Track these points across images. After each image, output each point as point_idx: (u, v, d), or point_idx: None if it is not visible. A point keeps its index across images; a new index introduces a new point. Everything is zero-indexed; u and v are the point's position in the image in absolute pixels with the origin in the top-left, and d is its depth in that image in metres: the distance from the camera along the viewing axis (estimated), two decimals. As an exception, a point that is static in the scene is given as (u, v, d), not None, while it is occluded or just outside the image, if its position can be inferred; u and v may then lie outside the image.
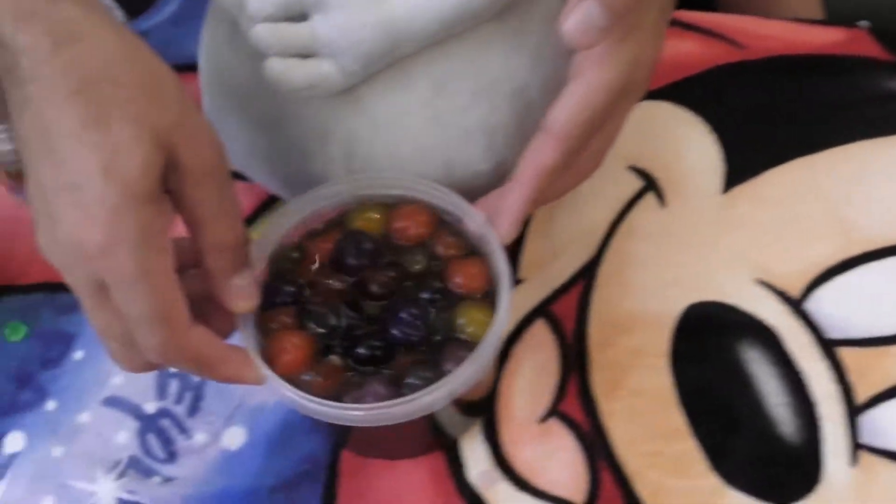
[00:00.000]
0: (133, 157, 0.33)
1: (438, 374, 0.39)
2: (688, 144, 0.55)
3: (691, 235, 0.52)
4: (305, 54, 0.41)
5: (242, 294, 0.39)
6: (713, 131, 0.56)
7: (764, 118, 0.56)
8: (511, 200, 0.40)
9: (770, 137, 0.55)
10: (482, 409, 0.48)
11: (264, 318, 0.42)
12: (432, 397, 0.38)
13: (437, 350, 0.41)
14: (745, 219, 0.52)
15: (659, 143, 0.56)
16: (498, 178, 0.47)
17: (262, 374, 0.39)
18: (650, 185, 0.54)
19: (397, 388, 0.40)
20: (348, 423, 0.39)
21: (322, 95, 0.40)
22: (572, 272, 0.52)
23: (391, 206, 0.44)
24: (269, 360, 0.40)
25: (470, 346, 0.40)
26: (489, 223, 0.41)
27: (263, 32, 0.41)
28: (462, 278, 0.42)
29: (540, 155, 0.39)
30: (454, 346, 0.41)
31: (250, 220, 0.55)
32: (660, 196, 0.54)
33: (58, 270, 0.36)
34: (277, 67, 0.41)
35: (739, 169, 0.54)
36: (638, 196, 0.54)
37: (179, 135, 0.35)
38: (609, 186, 0.54)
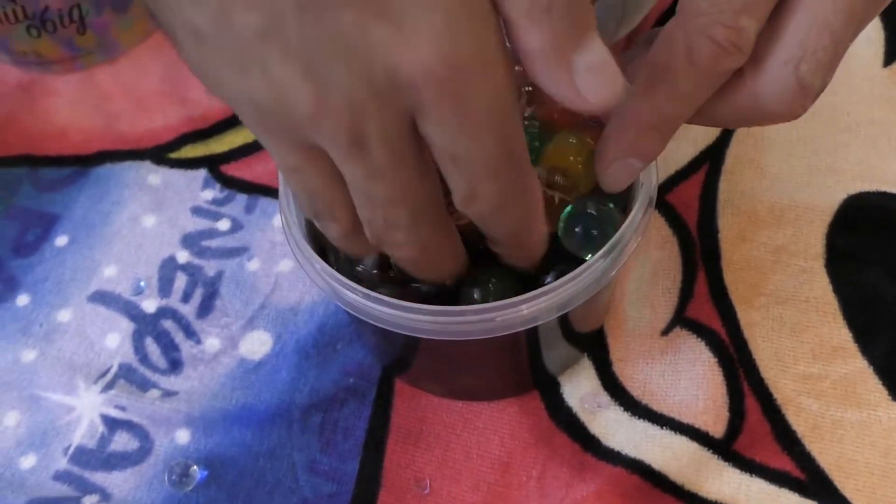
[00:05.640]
0: None
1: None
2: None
3: (846, 115, 0.41)
4: None
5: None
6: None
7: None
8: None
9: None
10: (593, 341, 0.36)
11: None
12: (532, 309, 0.27)
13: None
14: (917, 94, 0.41)
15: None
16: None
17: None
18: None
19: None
20: (411, 333, 0.28)
21: None
22: (694, 154, 0.41)
23: None
24: None
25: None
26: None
27: None
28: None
29: None
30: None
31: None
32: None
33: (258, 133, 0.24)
34: None
35: (905, 38, 0.43)
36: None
37: None
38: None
